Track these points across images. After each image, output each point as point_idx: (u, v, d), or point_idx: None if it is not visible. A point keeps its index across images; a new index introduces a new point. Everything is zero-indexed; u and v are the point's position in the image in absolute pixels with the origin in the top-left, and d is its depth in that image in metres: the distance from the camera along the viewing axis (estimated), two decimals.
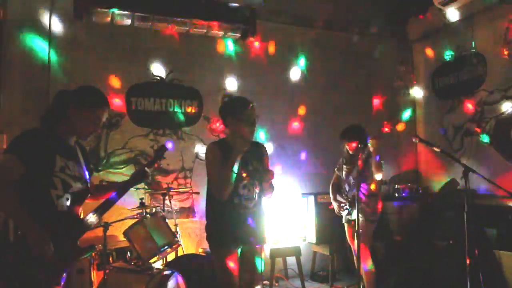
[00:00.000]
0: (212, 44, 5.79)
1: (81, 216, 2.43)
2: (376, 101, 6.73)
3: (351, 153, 4.58)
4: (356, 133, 4.50)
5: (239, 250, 3.03)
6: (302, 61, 6.31)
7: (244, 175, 2.93)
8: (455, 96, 6.26)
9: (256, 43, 5.82)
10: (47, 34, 5.03)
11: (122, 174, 5.20)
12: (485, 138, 5.72)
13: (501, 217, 5.14)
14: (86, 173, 2.46)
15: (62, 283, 2.22)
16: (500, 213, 5.17)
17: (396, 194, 6.19)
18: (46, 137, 2.28)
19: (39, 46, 5.00)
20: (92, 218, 2.38)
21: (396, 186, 6.25)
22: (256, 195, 3.06)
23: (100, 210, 2.43)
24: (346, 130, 4.61)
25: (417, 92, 7.01)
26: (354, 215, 4.23)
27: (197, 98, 5.74)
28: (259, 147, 3.21)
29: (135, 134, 5.41)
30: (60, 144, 2.35)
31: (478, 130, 5.83)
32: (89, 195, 2.52)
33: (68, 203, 2.30)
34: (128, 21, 5.21)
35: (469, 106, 6.00)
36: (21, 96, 4.86)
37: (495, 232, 5.06)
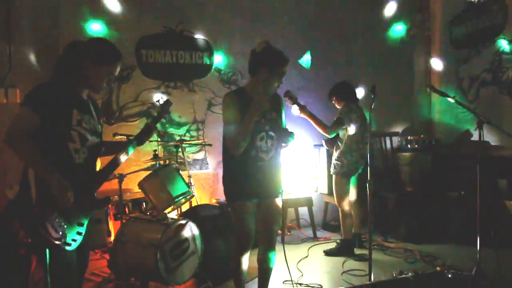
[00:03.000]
0: None
1: (97, 169, 2.48)
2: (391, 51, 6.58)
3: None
4: (332, 91, 4.79)
5: (257, 202, 3.02)
6: (312, 9, 6.12)
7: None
8: (472, 45, 6.08)
9: None
10: None
11: (135, 126, 5.24)
12: None
13: None
14: (100, 126, 2.48)
15: (83, 234, 2.29)
16: None
17: (409, 145, 6.16)
18: (62, 90, 2.28)
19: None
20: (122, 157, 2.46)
21: (408, 137, 6.21)
22: (274, 147, 3.03)
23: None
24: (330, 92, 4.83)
25: (432, 41, 6.82)
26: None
27: (208, 49, 5.66)
28: (276, 97, 3.11)
29: (146, 87, 5.41)
30: (75, 97, 2.35)
31: None
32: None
33: (85, 156, 2.33)
34: None
35: (486, 56, 5.84)
36: (32, 50, 4.83)
37: (507, 183, 5.06)
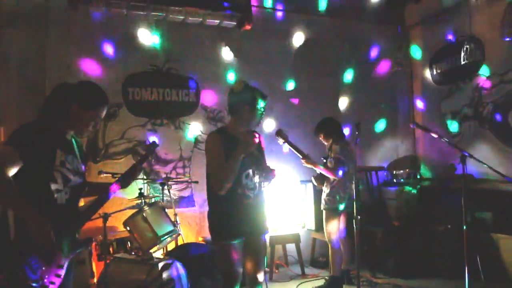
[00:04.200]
0: (208, 33, 5.77)
1: (80, 209, 2.45)
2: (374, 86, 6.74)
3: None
4: (319, 127, 4.85)
5: (242, 241, 3.01)
6: (298, 48, 6.28)
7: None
8: (453, 81, 6.25)
9: (252, 31, 5.78)
10: (42, 26, 5.00)
11: (121, 164, 5.21)
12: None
13: (498, 201, 5.18)
14: (83, 166, 2.47)
15: (62, 276, 2.23)
16: (497, 197, 5.21)
17: (395, 180, 6.22)
18: (46, 131, 2.28)
19: (34, 38, 4.97)
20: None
21: (394, 171, 6.27)
22: (259, 184, 3.05)
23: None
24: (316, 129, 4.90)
25: (414, 78, 7.01)
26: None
27: (194, 87, 5.73)
28: (253, 134, 3.08)
29: (132, 124, 5.41)
30: (59, 138, 2.35)
31: None
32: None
33: (67, 196, 2.31)
34: (123, 11, 5.16)
35: (467, 91, 6.00)
36: (17, 89, 4.84)
37: (492, 216, 5.10)
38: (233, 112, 3.05)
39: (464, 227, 3.70)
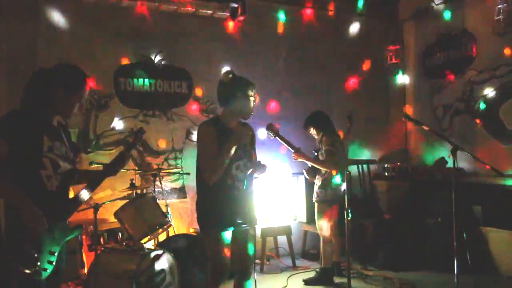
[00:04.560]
0: (201, 24, 5.73)
1: (71, 196, 2.43)
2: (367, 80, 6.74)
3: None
4: (308, 121, 4.85)
5: (231, 232, 3.01)
6: (290, 41, 6.25)
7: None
8: (445, 75, 6.27)
9: (245, 22, 5.75)
10: (33, 17, 4.93)
11: (112, 155, 5.17)
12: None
13: (488, 195, 5.22)
14: (71, 153, 2.45)
15: (54, 263, 2.22)
16: (487, 191, 5.25)
17: (386, 173, 6.24)
18: (31, 118, 2.26)
19: (25, 29, 4.89)
20: (84, 194, 2.39)
21: (385, 165, 6.29)
22: (249, 176, 3.05)
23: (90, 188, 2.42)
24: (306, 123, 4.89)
25: (407, 72, 7.02)
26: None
27: (186, 78, 5.70)
28: (247, 126, 3.15)
29: (124, 115, 5.37)
30: (45, 124, 2.33)
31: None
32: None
33: (57, 183, 2.29)
34: (115, 0, 5.10)
35: (458, 85, 6.03)
36: (8, 82, 4.76)
37: (482, 209, 5.15)
38: (225, 103, 3.05)
39: (454, 220, 3.73)
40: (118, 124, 5.30)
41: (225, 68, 5.69)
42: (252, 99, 3.02)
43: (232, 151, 2.86)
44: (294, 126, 5.74)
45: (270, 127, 4.34)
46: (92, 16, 5.20)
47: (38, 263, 2.12)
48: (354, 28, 6.64)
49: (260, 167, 3.07)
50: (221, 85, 3.05)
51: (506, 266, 4.80)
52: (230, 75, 3.00)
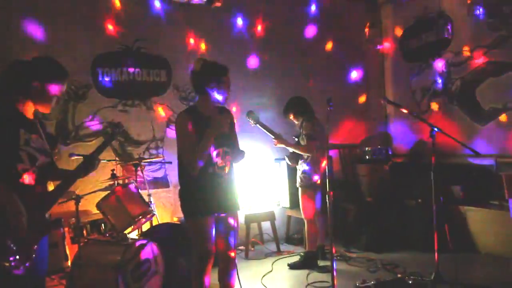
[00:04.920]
0: (178, 10, 5.65)
1: (49, 190, 2.40)
2: (346, 65, 6.77)
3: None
4: (288, 107, 4.87)
5: (215, 217, 3.03)
6: (269, 26, 6.22)
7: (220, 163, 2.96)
8: (422, 58, 6.34)
9: (222, 9, 5.69)
10: (5, 4, 4.80)
11: (92, 146, 5.11)
12: None
13: (466, 175, 5.33)
14: (48, 146, 2.41)
15: (34, 256, 2.20)
16: (465, 171, 5.36)
17: (367, 157, 6.31)
18: (6, 111, 2.21)
19: None
20: None
21: (366, 148, 6.36)
22: (230, 162, 3.06)
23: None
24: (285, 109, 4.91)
25: (385, 55, 7.07)
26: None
27: (165, 66, 5.63)
28: (226, 112, 3.14)
29: (103, 105, 5.30)
30: (21, 117, 2.29)
31: None
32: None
33: (35, 176, 2.26)
34: None
35: (436, 67, 6.10)
36: None
37: (460, 189, 5.25)
38: (200, 91, 3.05)
39: (433, 201, 3.81)
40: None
41: (202, 55, 5.65)
42: (226, 85, 3.01)
43: (212, 139, 2.87)
44: (273, 113, 5.76)
45: (250, 115, 4.36)
46: (68, 5, 5.08)
47: (17, 257, 2.10)
48: (333, 11, 6.64)
49: (239, 153, 3.10)
50: (193, 74, 3.06)
51: (484, 243, 4.93)
52: (201, 62, 3.00)
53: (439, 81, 6.03)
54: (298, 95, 5.01)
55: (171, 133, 5.55)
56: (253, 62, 6.15)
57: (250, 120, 4.47)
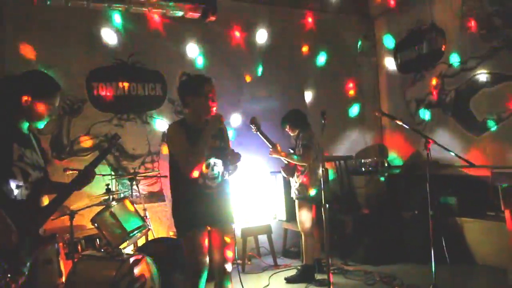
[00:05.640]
0: (172, 25, 5.68)
1: (42, 205, 2.37)
2: (340, 77, 6.82)
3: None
4: (285, 119, 4.87)
5: (208, 231, 3.01)
6: (264, 40, 6.26)
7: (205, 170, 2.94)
8: (416, 70, 6.38)
9: (217, 23, 5.73)
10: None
11: (87, 161, 5.08)
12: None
13: (461, 186, 5.34)
14: (42, 161, 2.40)
15: (26, 273, 2.17)
16: (461, 182, 5.37)
17: (363, 168, 6.31)
18: (0, 125, 2.20)
19: None
20: None
21: (362, 160, 6.36)
22: (220, 174, 3.05)
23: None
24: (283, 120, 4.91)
25: (379, 67, 7.12)
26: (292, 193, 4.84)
27: (160, 80, 5.65)
28: (217, 121, 3.04)
29: (98, 119, 5.29)
30: (15, 132, 2.27)
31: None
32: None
33: (27, 192, 2.24)
34: (84, 3, 5.00)
35: (430, 79, 6.14)
36: None
37: (456, 200, 5.25)
38: (184, 104, 3.08)
39: (430, 212, 3.80)
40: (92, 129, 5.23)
41: (198, 69, 5.67)
42: (206, 97, 2.98)
43: (209, 139, 2.90)
44: (272, 124, 5.76)
45: (253, 121, 4.41)
46: (62, 20, 5.10)
47: (9, 275, 2.07)
48: (328, 24, 6.69)
49: (233, 156, 3.06)
50: (178, 88, 3.11)
51: (481, 255, 4.92)
52: (184, 77, 3.03)
53: (433, 92, 6.06)
54: (293, 107, 5.03)
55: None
56: (248, 74, 6.17)
57: (252, 126, 4.50)
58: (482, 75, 5.39)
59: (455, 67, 5.75)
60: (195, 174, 2.86)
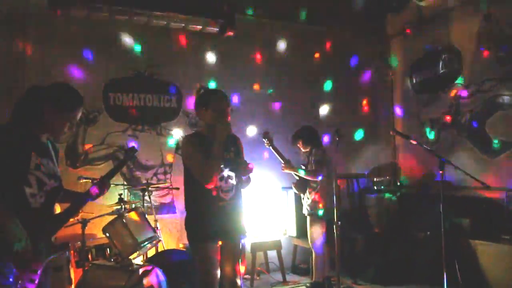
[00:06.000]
0: (190, 39, 5.76)
1: (56, 213, 2.39)
2: (356, 96, 6.83)
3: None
4: (297, 134, 4.87)
5: (220, 245, 3.01)
6: (280, 55, 6.31)
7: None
8: (432, 90, 6.36)
9: (236, 38, 5.79)
10: (21, 29, 4.92)
11: (101, 170, 5.14)
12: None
13: (475, 207, 5.26)
14: (58, 170, 2.42)
15: (37, 281, 2.18)
16: (475, 204, 5.29)
17: (375, 187, 6.27)
18: (20, 133, 2.23)
19: (13, 42, 4.89)
20: None
21: (375, 179, 6.32)
22: (234, 187, 3.05)
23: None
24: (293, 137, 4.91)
25: (395, 87, 7.12)
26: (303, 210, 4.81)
27: (176, 93, 5.71)
28: (234, 138, 3.17)
29: (113, 129, 5.35)
30: (33, 141, 2.30)
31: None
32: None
33: (42, 200, 2.26)
34: (105, 14, 5.11)
35: (445, 100, 6.12)
36: None
37: (470, 222, 5.17)
38: (200, 117, 3.13)
39: (443, 234, 3.75)
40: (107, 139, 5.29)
41: (213, 84, 5.73)
42: (221, 111, 2.99)
43: (222, 146, 2.88)
44: (284, 139, 5.77)
45: (266, 135, 4.45)
46: (82, 30, 5.21)
47: (20, 282, 2.08)
48: (343, 44, 6.73)
49: (244, 166, 3.06)
50: (195, 101, 3.13)
51: (495, 279, 4.81)
52: (201, 90, 3.06)
53: (449, 113, 6.03)
54: (306, 123, 5.05)
55: (180, 159, 5.56)
56: (263, 89, 6.21)
57: (265, 141, 4.54)
58: (498, 97, 5.36)
59: (471, 89, 5.72)
60: (210, 186, 2.87)
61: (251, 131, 6.02)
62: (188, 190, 3.03)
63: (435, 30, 6.24)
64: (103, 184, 2.52)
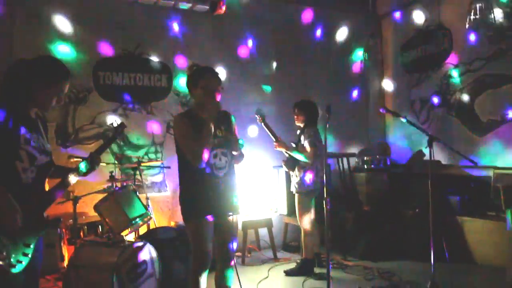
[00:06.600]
0: (180, 17, 5.71)
1: (47, 189, 2.40)
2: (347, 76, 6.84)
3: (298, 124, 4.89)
4: (299, 104, 4.84)
5: (213, 220, 3.03)
6: (272, 34, 6.28)
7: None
8: (422, 69, 6.39)
9: (226, 16, 5.75)
10: (8, 5, 4.85)
11: (91, 149, 5.12)
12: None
13: (463, 185, 5.35)
14: (48, 145, 2.42)
15: (30, 256, 2.20)
16: (463, 182, 5.38)
17: (365, 166, 6.32)
18: (8, 109, 2.22)
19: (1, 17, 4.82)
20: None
21: (364, 158, 6.38)
22: (227, 164, 3.07)
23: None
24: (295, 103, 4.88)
25: (385, 66, 7.13)
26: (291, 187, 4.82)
27: (166, 72, 5.67)
28: (226, 115, 3.16)
29: (103, 109, 5.33)
30: (22, 116, 2.29)
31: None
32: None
33: (33, 175, 2.26)
34: None
35: (435, 79, 6.15)
36: None
37: (458, 199, 5.26)
38: (191, 96, 3.12)
39: (430, 211, 3.81)
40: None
41: (204, 61, 5.69)
42: (210, 90, 2.97)
43: (211, 126, 2.88)
44: (276, 118, 5.79)
45: (259, 111, 4.44)
46: (71, 9, 5.14)
47: (13, 255, 2.10)
48: (334, 24, 6.71)
49: (235, 141, 3.07)
50: (186, 78, 3.11)
51: (481, 254, 4.93)
52: (194, 68, 3.05)
53: (438, 92, 6.08)
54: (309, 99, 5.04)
55: (170, 138, 5.57)
56: (258, 69, 6.22)
57: (257, 117, 4.53)
58: (487, 77, 5.40)
59: (460, 68, 5.75)
60: (202, 163, 2.88)
61: (242, 110, 6.00)
62: (182, 167, 3.03)
63: (425, 9, 6.24)
64: (93, 160, 2.52)
